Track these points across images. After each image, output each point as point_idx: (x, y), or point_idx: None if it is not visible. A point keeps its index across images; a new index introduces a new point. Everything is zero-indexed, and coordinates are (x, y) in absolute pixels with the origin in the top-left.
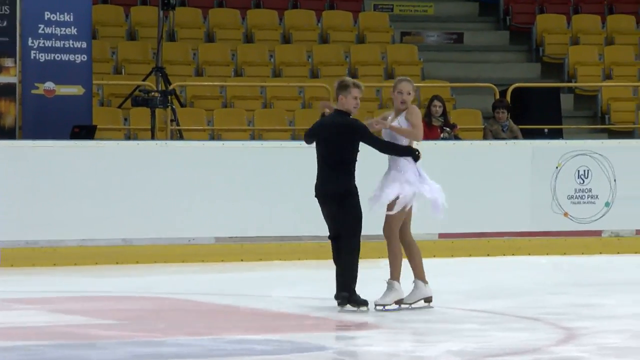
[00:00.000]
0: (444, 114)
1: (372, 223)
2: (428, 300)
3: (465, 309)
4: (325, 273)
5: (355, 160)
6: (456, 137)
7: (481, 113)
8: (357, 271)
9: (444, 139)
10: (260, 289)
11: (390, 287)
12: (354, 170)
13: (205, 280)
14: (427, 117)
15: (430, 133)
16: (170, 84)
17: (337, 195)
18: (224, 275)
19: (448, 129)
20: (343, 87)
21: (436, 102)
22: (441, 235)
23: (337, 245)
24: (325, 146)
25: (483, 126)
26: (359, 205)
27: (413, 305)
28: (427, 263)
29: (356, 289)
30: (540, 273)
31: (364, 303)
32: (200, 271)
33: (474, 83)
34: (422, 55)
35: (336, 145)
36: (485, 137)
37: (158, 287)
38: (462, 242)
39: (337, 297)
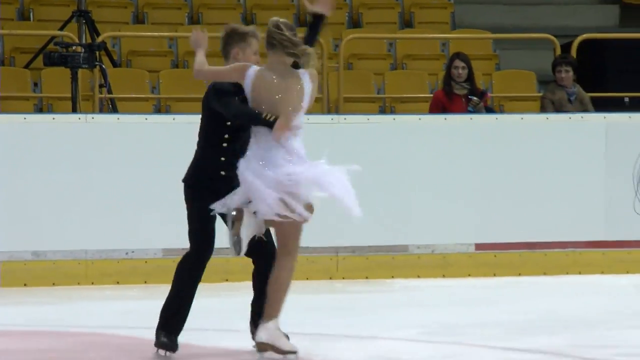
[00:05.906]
0: (470, 78)
1: None
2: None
3: (506, 347)
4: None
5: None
6: (487, 110)
7: (536, 76)
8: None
9: (470, 112)
10: (228, 322)
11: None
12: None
13: (146, 309)
14: (447, 85)
15: (452, 105)
16: (98, 34)
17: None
18: None
19: (475, 98)
20: (238, 35)
21: (458, 62)
22: (478, 247)
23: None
24: None
25: (540, 94)
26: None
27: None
28: (460, 283)
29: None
30: (616, 299)
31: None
32: (141, 296)
33: (525, 33)
34: None
35: None
36: (543, 109)
37: (80, 318)
38: (507, 256)
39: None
